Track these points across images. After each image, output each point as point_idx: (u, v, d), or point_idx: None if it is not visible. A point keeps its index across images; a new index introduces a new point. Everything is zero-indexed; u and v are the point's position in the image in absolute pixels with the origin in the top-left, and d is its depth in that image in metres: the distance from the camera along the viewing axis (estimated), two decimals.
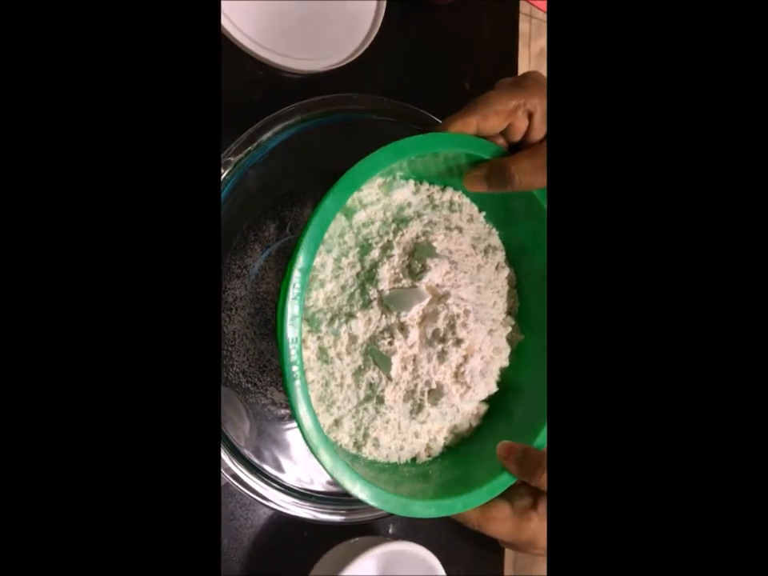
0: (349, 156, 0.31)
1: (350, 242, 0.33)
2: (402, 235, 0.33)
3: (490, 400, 0.39)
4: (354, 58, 0.46)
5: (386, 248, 0.33)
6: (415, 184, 0.36)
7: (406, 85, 0.50)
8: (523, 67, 0.65)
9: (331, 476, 0.29)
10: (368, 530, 0.48)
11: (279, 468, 0.37)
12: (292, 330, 0.28)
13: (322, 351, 0.33)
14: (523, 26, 0.61)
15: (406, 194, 0.35)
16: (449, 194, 0.37)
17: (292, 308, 0.28)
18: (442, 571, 0.45)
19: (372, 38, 0.48)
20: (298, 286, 0.28)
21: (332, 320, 0.32)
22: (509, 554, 0.54)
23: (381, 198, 0.34)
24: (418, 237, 0.34)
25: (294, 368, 0.28)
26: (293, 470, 0.37)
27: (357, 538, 0.45)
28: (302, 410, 0.28)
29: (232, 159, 0.34)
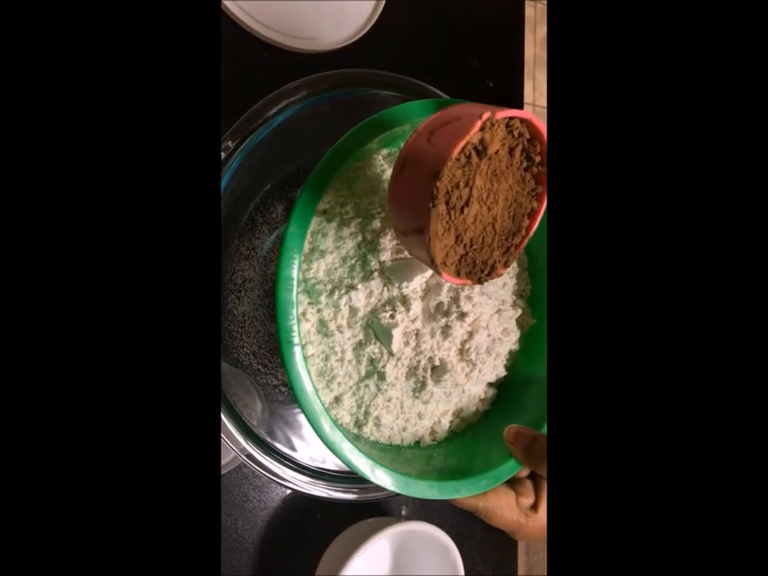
0: None
1: (351, 213, 0.32)
2: None
3: (499, 386, 0.38)
4: (358, 36, 0.46)
5: (388, 218, 0.32)
6: None
7: (411, 63, 0.49)
8: (529, 53, 0.64)
9: (329, 447, 0.28)
10: (381, 511, 0.48)
11: (292, 447, 0.37)
12: (289, 294, 0.27)
13: (322, 324, 0.32)
14: (528, 11, 0.61)
15: None
16: None
17: (288, 270, 0.27)
18: (455, 551, 0.44)
19: (376, 17, 0.47)
20: (294, 247, 0.28)
21: (332, 291, 0.32)
22: None
23: (385, 169, 0.34)
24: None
25: (293, 333, 0.27)
26: (305, 449, 0.37)
27: (370, 519, 0.45)
28: (300, 376, 0.28)
29: (236, 138, 0.34)
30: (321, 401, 0.28)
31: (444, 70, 0.50)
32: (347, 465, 0.28)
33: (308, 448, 0.38)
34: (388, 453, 0.34)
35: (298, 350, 0.28)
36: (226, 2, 0.42)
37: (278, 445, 0.36)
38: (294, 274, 0.28)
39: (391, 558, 0.47)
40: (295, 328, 0.28)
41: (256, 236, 0.40)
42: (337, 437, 0.28)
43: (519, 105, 0.58)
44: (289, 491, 0.45)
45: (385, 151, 0.34)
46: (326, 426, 0.28)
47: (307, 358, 0.31)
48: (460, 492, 0.31)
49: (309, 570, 0.44)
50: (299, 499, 0.45)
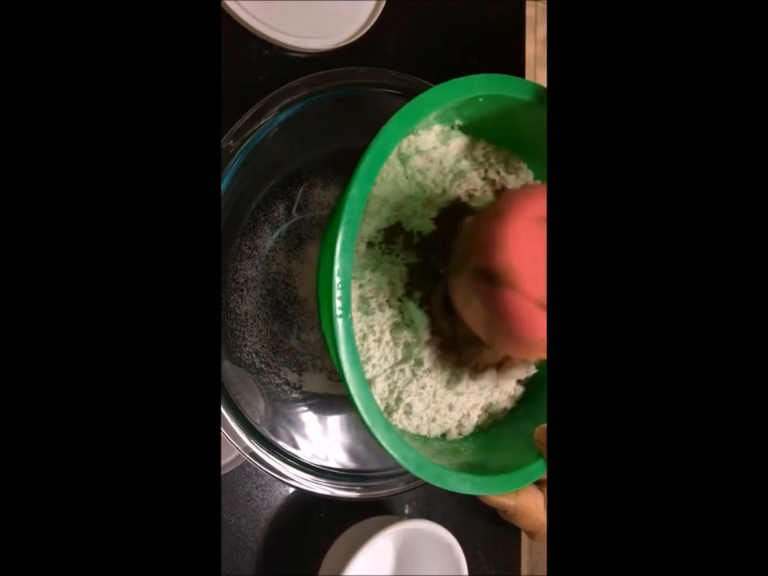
0: (355, 131, 0.31)
1: (402, 188, 0.32)
2: (459, 186, 0.32)
3: (528, 384, 0.38)
4: (359, 35, 0.46)
5: (437, 197, 0.32)
6: (472, 140, 0.35)
7: (412, 62, 0.49)
8: (530, 52, 0.64)
9: (368, 428, 0.27)
10: (384, 510, 0.48)
11: (295, 445, 0.37)
12: (343, 261, 0.26)
13: (363, 300, 0.31)
14: (529, 10, 0.61)
15: (462, 146, 0.34)
16: (504, 154, 0.36)
17: (344, 236, 0.25)
18: (459, 549, 0.44)
19: (377, 16, 0.47)
20: (353, 213, 0.26)
21: (377, 267, 0.31)
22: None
23: (437, 146, 0.33)
24: (475, 190, 0.33)
25: (339, 303, 0.26)
26: (308, 447, 0.37)
27: (373, 518, 0.45)
28: (344, 349, 0.26)
29: (238, 137, 0.34)
30: (364, 381, 0.27)
31: (445, 68, 0.50)
32: (384, 451, 0.27)
33: (311, 446, 0.38)
34: (416, 442, 0.33)
35: (342, 321, 0.26)
36: (227, 2, 0.42)
37: (281, 443, 0.36)
38: (353, 238, 0.26)
39: (394, 556, 0.47)
40: (342, 299, 0.26)
41: (258, 235, 0.40)
42: (377, 419, 0.27)
43: None
44: (292, 490, 0.45)
45: (438, 128, 0.33)
46: (364, 406, 0.27)
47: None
48: (491, 488, 0.30)
49: (312, 568, 0.44)
50: (302, 498, 0.45)
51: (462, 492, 0.29)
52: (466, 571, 0.45)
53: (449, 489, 0.29)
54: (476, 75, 0.29)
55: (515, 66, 0.57)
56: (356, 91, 0.36)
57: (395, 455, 0.28)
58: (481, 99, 0.30)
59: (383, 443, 0.27)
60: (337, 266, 0.26)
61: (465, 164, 0.34)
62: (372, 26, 0.47)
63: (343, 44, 0.45)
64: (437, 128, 0.33)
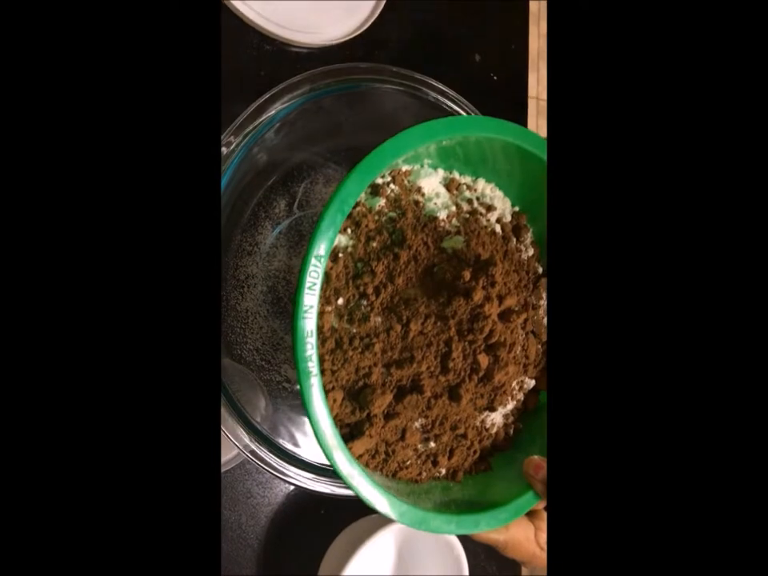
0: (357, 127, 0.31)
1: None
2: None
3: (521, 418, 0.37)
4: (361, 30, 0.46)
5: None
6: (444, 174, 0.34)
7: (414, 57, 0.49)
8: (533, 46, 0.64)
9: (347, 482, 0.27)
10: None
11: (296, 444, 0.37)
12: (309, 323, 0.26)
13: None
14: (532, 5, 0.61)
15: (433, 183, 0.33)
16: (480, 185, 0.34)
17: (309, 299, 0.26)
18: (459, 547, 0.44)
19: (379, 10, 0.47)
20: (315, 274, 0.26)
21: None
22: None
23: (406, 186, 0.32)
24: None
25: (311, 364, 0.26)
26: (308, 445, 0.37)
27: (374, 515, 0.45)
28: (318, 408, 0.27)
29: (239, 133, 0.34)
30: (339, 435, 0.28)
31: (447, 63, 0.50)
32: (363, 501, 0.28)
33: (311, 444, 0.38)
34: (402, 482, 0.33)
35: (316, 380, 0.27)
36: None
37: (281, 441, 0.36)
38: (314, 301, 0.27)
39: (395, 554, 0.47)
40: (314, 358, 0.27)
41: (259, 231, 0.40)
42: (354, 471, 0.27)
43: (523, 98, 0.57)
44: (292, 487, 0.45)
45: (406, 168, 0.33)
46: (342, 462, 0.27)
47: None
48: (479, 526, 0.30)
49: (313, 565, 0.44)
50: (303, 495, 0.45)
51: (448, 533, 0.29)
52: (466, 569, 0.45)
53: (435, 532, 0.29)
54: (437, 120, 0.29)
55: (518, 60, 0.57)
56: (357, 87, 0.36)
57: (377, 506, 0.28)
58: (444, 142, 0.30)
59: (363, 495, 0.27)
60: (306, 328, 0.26)
61: (441, 199, 0.33)
62: (374, 21, 0.46)
63: (345, 39, 0.45)
64: (404, 168, 0.32)
